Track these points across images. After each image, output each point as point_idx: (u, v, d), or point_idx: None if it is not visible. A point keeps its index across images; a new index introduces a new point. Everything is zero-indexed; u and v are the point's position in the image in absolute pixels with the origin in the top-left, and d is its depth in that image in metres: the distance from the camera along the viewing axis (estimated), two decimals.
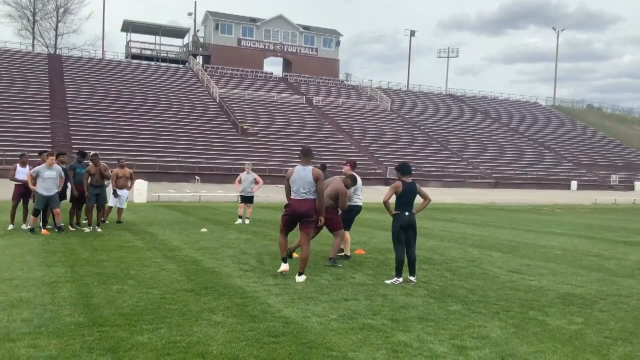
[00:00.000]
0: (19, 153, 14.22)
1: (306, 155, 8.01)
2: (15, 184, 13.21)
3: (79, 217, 13.62)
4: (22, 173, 13.07)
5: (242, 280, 7.74)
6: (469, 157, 58.62)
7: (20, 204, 13.33)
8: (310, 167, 7.92)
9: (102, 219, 13.78)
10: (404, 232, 7.93)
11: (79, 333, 5.14)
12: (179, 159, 43.43)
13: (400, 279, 7.84)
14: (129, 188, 15.14)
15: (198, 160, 44.02)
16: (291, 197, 7.93)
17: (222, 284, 7.44)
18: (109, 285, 7.15)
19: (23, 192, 13.12)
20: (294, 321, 5.73)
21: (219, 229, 14.26)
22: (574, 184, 55.53)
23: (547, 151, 66.05)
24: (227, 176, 42.88)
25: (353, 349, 4.95)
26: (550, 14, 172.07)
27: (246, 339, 5.12)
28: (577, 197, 41.76)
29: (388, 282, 7.86)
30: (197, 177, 39.94)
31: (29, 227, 12.40)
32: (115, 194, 14.55)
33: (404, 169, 8.04)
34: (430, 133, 63.28)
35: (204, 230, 13.72)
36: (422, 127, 64.43)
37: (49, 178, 12.21)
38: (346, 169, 10.07)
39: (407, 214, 7.90)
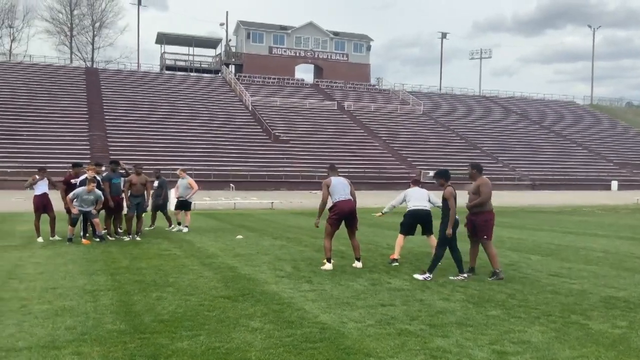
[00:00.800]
0: (40, 166, 13.80)
1: (334, 170, 9.77)
2: (35, 195, 12.92)
3: (116, 227, 13.82)
4: (43, 184, 12.89)
5: (278, 286, 7.79)
6: (505, 159, 57.74)
7: (45, 215, 12.99)
8: (341, 177, 9.72)
9: (145, 227, 14.13)
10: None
11: (120, 340, 5.25)
12: (214, 167, 43.98)
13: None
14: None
15: (232, 168, 44.50)
16: (337, 200, 9.30)
17: (259, 290, 7.50)
18: (148, 293, 7.28)
19: (45, 202, 12.90)
20: (331, 327, 5.74)
21: (254, 235, 14.37)
22: (614, 184, 54.11)
23: (586, 151, 64.61)
24: (261, 183, 43.26)
25: (391, 354, 4.92)
26: (589, 12, 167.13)
27: (284, 345, 5.15)
28: (618, 197, 40.66)
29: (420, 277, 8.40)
30: (231, 184, 40.36)
31: (67, 236, 12.62)
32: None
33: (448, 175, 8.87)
34: (464, 135, 62.58)
35: (239, 237, 13.84)
36: (455, 130, 63.78)
37: (87, 199, 12.53)
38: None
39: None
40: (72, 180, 13.20)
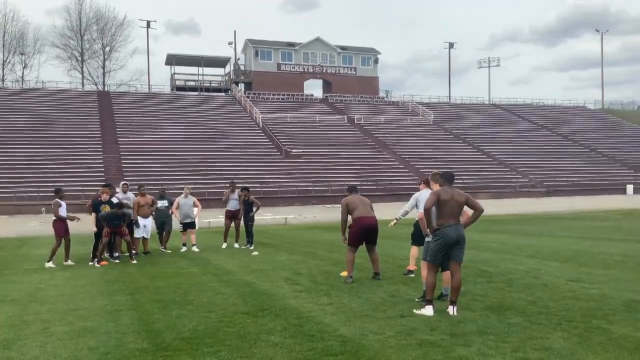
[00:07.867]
0: (55, 188, 13.23)
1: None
2: (61, 219, 12.56)
3: (111, 251, 13.21)
4: (63, 209, 12.57)
5: (297, 300, 7.80)
6: (518, 166, 57.44)
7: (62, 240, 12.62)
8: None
9: (134, 251, 13.32)
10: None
11: (143, 359, 5.29)
12: (226, 185, 44.18)
13: None
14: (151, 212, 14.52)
15: (245, 184, 44.62)
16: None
17: (278, 305, 7.52)
18: (168, 311, 7.33)
19: (66, 227, 12.66)
20: (351, 339, 5.74)
21: (270, 251, 14.41)
22: (629, 188, 53.60)
23: (599, 156, 64.10)
24: (274, 199, 43.34)
25: None
26: (609, 21, 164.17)
27: (305, 358, 5.16)
28: (634, 201, 40.23)
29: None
30: None
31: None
32: (137, 224, 13.77)
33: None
34: (476, 144, 62.39)
35: (255, 253, 13.90)
36: (467, 139, 63.60)
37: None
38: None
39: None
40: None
